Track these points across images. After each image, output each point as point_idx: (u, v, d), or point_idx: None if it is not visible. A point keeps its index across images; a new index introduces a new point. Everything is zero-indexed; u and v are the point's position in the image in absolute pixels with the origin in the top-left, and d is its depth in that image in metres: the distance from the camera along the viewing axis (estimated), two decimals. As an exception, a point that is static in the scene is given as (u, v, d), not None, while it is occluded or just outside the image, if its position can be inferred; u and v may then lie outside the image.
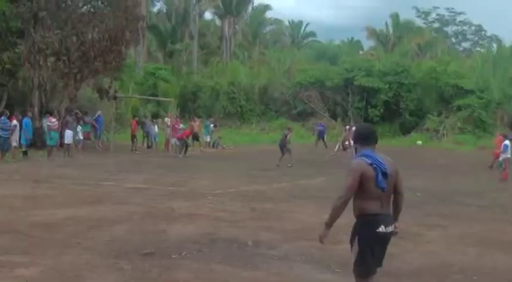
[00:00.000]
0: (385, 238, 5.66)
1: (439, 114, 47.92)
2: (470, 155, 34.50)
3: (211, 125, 37.54)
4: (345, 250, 9.04)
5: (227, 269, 8.07)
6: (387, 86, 48.57)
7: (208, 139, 35.89)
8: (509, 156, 22.28)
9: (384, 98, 48.42)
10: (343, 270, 8.23)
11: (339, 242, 9.86)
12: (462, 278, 8.11)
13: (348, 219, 12.21)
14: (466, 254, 9.59)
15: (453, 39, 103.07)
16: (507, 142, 22.73)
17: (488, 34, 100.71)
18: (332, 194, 15.65)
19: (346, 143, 27.51)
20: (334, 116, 50.12)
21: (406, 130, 48.03)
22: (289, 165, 23.90)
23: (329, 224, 5.80)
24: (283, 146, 24.67)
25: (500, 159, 22.61)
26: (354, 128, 28.14)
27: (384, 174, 5.52)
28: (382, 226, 5.54)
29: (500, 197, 17.38)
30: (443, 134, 45.91)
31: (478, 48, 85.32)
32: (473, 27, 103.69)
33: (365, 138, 5.80)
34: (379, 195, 5.55)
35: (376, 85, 48.16)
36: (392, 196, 5.74)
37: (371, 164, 5.53)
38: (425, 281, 7.90)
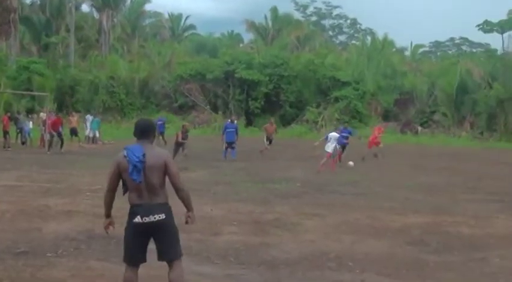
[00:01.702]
0: (145, 228, 5.83)
1: (318, 106, 49.19)
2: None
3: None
4: (224, 242, 9.11)
5: (105, 265, 7.91)
6: (267, 78, 49.28)
7: (91, 134, 34.78)
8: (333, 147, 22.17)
9: (264, 90, 49.09)
10: (223, 261, 8.26)
11: (217, 234, 9.91)
12: (338, 265, 8.32)
13: (224, 211, 12.27)
14: (342, 241, 9.85)
15: (330, 33, 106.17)
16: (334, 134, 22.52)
17: (363, 27, 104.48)
18: (211, 187, 15.66)
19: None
20: (215, 109, 50.31)
21: (286, 122, 48.93)
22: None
23: (105, 214, 6.26)
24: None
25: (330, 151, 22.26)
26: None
27: (135, 166, 5.70)
28: (139, 216, 5.78)
29: (374, 185, 18.01)
30: (322, 125, 47.12)
31: (353, 41, 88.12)
32: (348, 21, 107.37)
33: (138, 133, 6.00)
34: (136, 187, 5.79)
35: (257, 78, 48.74)
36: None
37: (125, 157, 5.79)
38: (302, 270, 8.02)
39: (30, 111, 38.85)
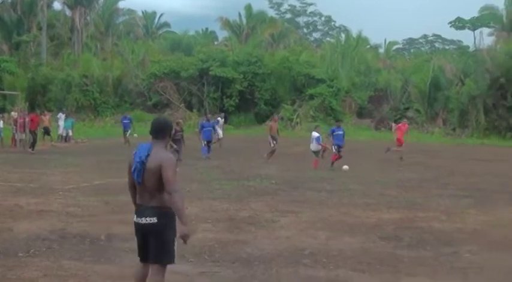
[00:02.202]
0: (140, 228, 5.86)
1: (293, 103, 49.28)
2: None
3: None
4: (198, 239, 9.09)
5: (78, 265, 7.86)
6: (242, 76, 49.27)
7: (64, 133, 34.49)
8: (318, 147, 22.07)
9: (238, 88, 49.08)
10: (197, 259, 8.26)
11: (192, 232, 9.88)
12: (312, 262, 8.35)
13: (199, 208, 12.25)
14: (316, 238, 9.90)
15: (305, 30, 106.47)
16: (316, 134, 22.18)
17: (337, 25, 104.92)
18: (186, 185, 15.68)
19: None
20: (189, 107, 50.17)
21: (261, 119, 48.92)
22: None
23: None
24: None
25: (315, 149, 22.12)
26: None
27: (136, 166, 5.73)
28: (135, 216, 5.87)
29: (349, 181, 18.11)
30: (297, 123, 47.22)
31: (328, 39, 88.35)
32: (323, 18, 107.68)
33: (152, 132, 5.96)
34: (138, 186, 5.82)
35: (231, 75, 48.70)
36: None
37: (133, 155, 5.85)
38: (276, 266, 8.04)
39: (1, 111, 38.33)
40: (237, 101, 49.27)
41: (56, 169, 20.10)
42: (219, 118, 33.83)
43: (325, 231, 10.38)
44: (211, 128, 25.71)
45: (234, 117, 48.29)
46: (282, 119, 48.02)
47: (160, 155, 5.75)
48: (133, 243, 9.13)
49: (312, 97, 48.60)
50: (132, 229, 10.02)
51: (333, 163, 21.73)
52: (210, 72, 49.00)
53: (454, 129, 46.04)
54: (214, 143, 28.31)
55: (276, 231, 10.35)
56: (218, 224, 10.73)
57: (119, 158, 23.68)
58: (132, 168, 5.76)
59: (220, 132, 31.71)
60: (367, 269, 8.00)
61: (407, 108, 51.50)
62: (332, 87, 48.99)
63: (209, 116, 31.14)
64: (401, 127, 27.13)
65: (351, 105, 51.72)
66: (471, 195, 15.42)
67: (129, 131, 31.86)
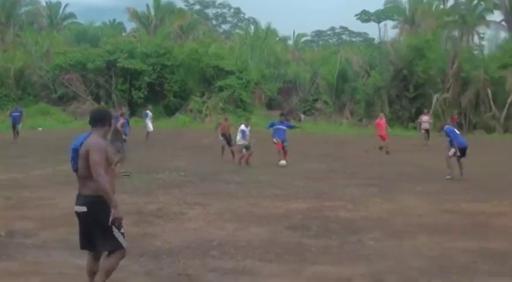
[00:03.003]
0: (78, 216, 5.88)
1: (202, 95, 49.12)
2: (232, 135, 35.71)
3: None
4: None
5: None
6: (150, 68, 48.69)
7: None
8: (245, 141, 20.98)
9: (147, 79, 48.49)
10: (104, 253, 8.08)
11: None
12: (220, 253, 8.36)
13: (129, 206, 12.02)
14: (225, 229, 9.91)
15: (214, 22, 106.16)
16: (243, 127, 21.30)
17: (246, 16, 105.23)
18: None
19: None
20: (97, 99, 49.14)
21: (171, 111, 48.54)
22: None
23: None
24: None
25: (242, 143, 21.01)
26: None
27: (71, 154, 5.81)
28: (75, 204, 5.88)
29: (258, 173, 18.25)
30: (207, 115, 47.14)
31: (237, 31, 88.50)
32: (232, 10, 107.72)
33: (90, 121, 6.01)
34: (76, 174, 5.88)
35: (139, 67, 48.02)
36: None
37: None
38: (184, 258, 8.00)
39: None
40: (145, 93, 48.64)
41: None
42: (147, 111, 32.35)
43: (233, 223, 10.40)
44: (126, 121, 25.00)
45: (143, 109, 47.66)
46: (191, 111, 47.87)
47: (90, 141, 5.75)
48: (37, 239, 9.00)
49: (221, 89, 48.58)
50: (33, 224, 9.84)
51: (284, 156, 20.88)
52: (118, 64, 48.13)
53: (360, 120, 47.18)
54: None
55: (184, 224, 10.30)
56: (126, 218, 10.37)
57: (21, 153, 23.02)
58: (70, 156, 5.83)
59: (150, 125, 30.94)
60: (275, 259, 8.07)
61: (316, 100, 52.37)
62: (241, 79, 49.13)
63: (124, 108, 29.67)
64: (379, 123, 27.27)
65: (260, 96, 52.05)
66: (376, 184, 15.83)
67: (20, 125, 29.28)
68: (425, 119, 32.22)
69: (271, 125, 21.89)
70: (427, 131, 31.68)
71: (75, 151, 5.74)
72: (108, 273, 5.90)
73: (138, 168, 18.65)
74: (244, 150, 20.80)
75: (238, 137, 21.17)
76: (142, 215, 10.93)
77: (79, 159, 5.72)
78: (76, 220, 6.03)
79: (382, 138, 26.53)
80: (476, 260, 8.15)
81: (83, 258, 7.71)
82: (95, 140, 5.78)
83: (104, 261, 5.91)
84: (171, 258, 8.01)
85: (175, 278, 7.22)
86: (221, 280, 7.19)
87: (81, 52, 51.00)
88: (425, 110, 34.37)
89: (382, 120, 27.40)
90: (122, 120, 17.75)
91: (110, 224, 5.72)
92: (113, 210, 5.68)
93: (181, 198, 13.01)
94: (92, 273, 6.02)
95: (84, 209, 5.70)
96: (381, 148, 26.06)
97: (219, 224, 10.28)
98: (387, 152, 25.56)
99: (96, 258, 6.03)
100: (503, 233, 9.82)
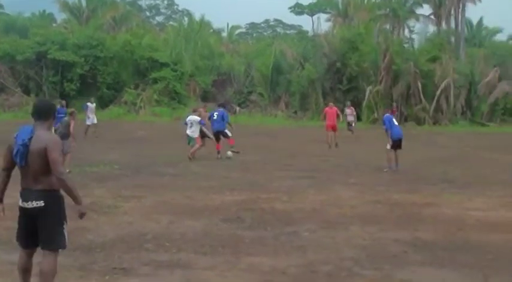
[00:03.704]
0: (25, 213, 5.72)
1: (136, 87, 48.59)
2: (167, 126, 35.53)
3: None
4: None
5: None
6: (83, 59, 47.82)
7: None
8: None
9: (79, 71, 47.59)
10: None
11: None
12: (154, 246, 8.30)
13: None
14: (159, 222, 9.84)
15: (147, 13, 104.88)
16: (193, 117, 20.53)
17: (180, 8, 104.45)
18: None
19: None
20: (27, 91, 47.93)
21: (104, 104, 47.77)
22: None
23: None
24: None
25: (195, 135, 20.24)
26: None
27: (19, 149, 5.59)
28: (20, 200, 5.72)
29: (192, 165, 18.18)
30: (141, 107, 46.69)
31: (171, 22, 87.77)
32: (165, 2, 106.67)
33: (33, 114, 5.84)
34: (22, 170, 5.69)
35: (71, 59, 47.08)
36: None
37: (14, 137, 5.69)
38: (118, 252, 7.91)
39: None
40: (78, 85, 47.72)
41: None
42: (88, 103, 30.48)
43: (167, 215, 10.33)
44: (63, 115, 24.04)
45: (76, 101, 46.74)
46: (125, 103, 47.28)
47: (45, 136, 5.62)
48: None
49: (155, 81, 48.16)
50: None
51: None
52: (49, 56, 47.02)
53: (295, 112, 47.52)
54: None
55: (119, 217, 10.18)
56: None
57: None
58: (14, 151, 5.58)
59: (90, 118, 29.21)
60: (209, 251, 8.06)
61: (250, 92, 52.43)
62: (176, 71, 48.79)
63: (63, 102, 28.58)
64: (328, 111, 26.18)
65: (195, 89, 51.83)
66: (311, 176, 16.01)
67: None
68: (348, 111, 32.40)
69: (210, 116, 21.32)
70: (350, 123, 31.93)
71: (25, 146, 5.55)
72: (53, 277, 5.75)
73: (71, 161, 18.28)
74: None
75: (194, 128, 20.33)
76: (75, 208, 10.71)
77: (31, 155, 5.55)
78: (10, 216, 5.91)
79: (330, 128, 25.48)
80: (408, 249, 8.34)
81: (14, 254, 7.56)
82: (51, 136, 5.72)
83: (45, 265, 5.67)
84: (105, 252, 7.91)
85: (109, 271, 7.13)
86: (156, 273, 7.14)
87: (10, 43, 49.55)
88: (348, 103, 34.41)
89: (332, 109, 26.25)
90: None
91: (78, 216, 5.83)
92: (79, 206, 5.77)
93: (115, 191, 12.83)
94: (26, 270, 5.86)
95: (41, 203, 5.57)
96: (336, 145, 25.18)
97: (154, 217, 10.19)
98: (336, 145, 25.09)
99: (30, 255, 5.88)
100: (434, 224, 10.08)
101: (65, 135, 16.02)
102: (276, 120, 44.99)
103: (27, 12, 70.01)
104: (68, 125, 16.58)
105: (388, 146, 17.61)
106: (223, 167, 17.69)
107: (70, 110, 19.30)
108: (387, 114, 18.63)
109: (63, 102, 28.60)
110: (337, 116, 26.33)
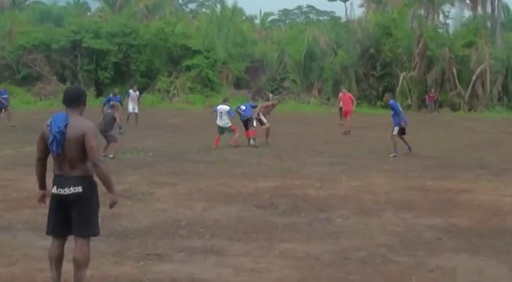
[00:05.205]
0: (60, 200, 5.68)
1: (170, 75, 48.77)
2: (200, 114, 35.64)
3: None
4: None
5: None
6: (116, 47, 48.17)
7: None
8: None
9: (113, 59, 47.95)
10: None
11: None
12: (188, 232, 8.37)
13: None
14: (193, 208, 9.92)
15: (180, 1, 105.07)
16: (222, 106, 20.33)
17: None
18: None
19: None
20: (62, 79, 48.48)
21: (138, 91, 48.04)
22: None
23: (38, 185, 5.99)
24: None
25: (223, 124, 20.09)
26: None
27: (55, 137, 5.54)
28: (55, 187, 5.66)
29: (226, 152, 18.22)
30: (174, 94, 46.89)
31: (203, 10, 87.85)
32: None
33: (65, 100, 5.82)
34: (57, 157, 5.65)
35: (105, 47, 47.47)
36: None
37: (48, 125, 5.64)
38: (152, 238, 8.00)
39: None
40: (112, 73, 48.13)
41: None
42: (130, 90, 29.74)
43: (201, 202, 10.41)
44: (119, 102, 23.46)
45: (109, 89, 47.15)
46: (159, 90, 47.53)
47: (83, 123, 5.64)
48: (2, 221, 8.87)
49: (188, 68, 48.28)
50: (0, 206, 9.71)
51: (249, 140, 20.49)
52: (83, 44, 47.49)
53: (328, 99, 47.25)
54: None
55: (153, 204, 10.27)
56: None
57: None
58: (50, 139, 5.55)
59: (131, 106, 28.23)
60: (243, 238, 8.11)
61: (283, 79, 52.28)
62: (209, 58, 48.85)
63: (116, 90, 27.86)
64: (342, 98, 26.65)
65: (227, 76, 51.82)
66: (344, 162, 15.97)
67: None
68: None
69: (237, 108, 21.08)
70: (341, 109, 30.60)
71: (62, 134, 5.52)
72: (87, 264, 5.82)
73: (119, 149, 18.44)
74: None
75: (225, 117, 20.13)
76: (107, 196, 10.83)
77: (68, 142, 5.54)
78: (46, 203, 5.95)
79: (346, 114, 25.69)
80: (442, 236, 8.28)
81: (49, 240, 7.70)
82: (88, 123, 5.70)
83: (79, 252, 5.70)
84: (139, 238, 8.00)
85: (144, 257, 7.21)
86: (190, 259, 7.21)
87: (45, 32, 50.14)
88: (343, 87, 33.03)
89: (345, 95, 26.66)
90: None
91: (108, 204, 5.82)
92: (112, 195, 5.76)
93: (149, 178, 12.95)
94: (59, 260, 5.86)
95: (79, 189, 5.58)
96: (345, 133, 24.71)
97: (188, 204, 10.27)
98: (344, 133, 24.65)
99: (63, 244, 5.89)
100: (468, 210, 9.99)
101: (108, 127, 16.42)
102: (309, 106, 44.80)
103: (62, 1, 70.72)
104: (113, 118, 16.96)
105: (395, 132, 17.70)
106: (256, 154, 17.70)
107: (112, 103, 19.54)
108: (393, 100, 18.90)
109: (116, 90, 28.01)
110: (352, 101, 26.52)
